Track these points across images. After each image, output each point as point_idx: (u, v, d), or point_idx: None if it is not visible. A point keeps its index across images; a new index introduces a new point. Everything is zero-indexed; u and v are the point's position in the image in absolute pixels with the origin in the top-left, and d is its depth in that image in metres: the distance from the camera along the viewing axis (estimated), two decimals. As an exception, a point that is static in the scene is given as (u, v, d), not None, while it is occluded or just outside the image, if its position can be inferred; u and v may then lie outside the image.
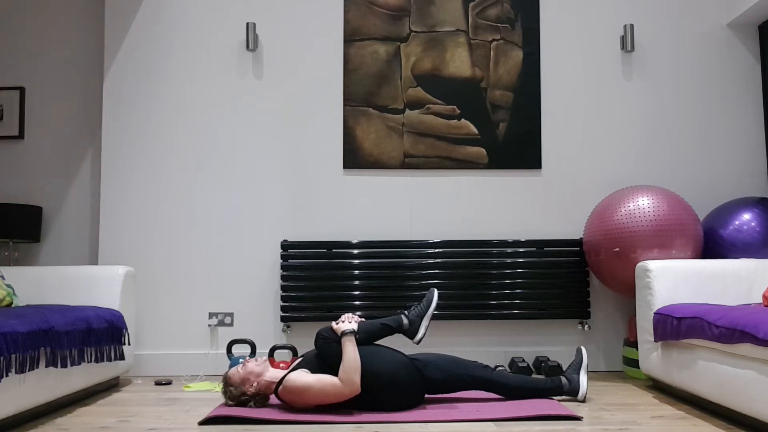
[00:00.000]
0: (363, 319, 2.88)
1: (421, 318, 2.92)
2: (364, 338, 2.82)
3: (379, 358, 2.72)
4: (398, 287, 3.83)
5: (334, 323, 2.80)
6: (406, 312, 2.96)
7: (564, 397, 2.95)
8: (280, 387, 2.69)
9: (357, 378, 2.60)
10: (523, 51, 4.05)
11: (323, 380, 2.62)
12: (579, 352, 3.01)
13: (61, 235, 4.12)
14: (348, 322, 2.78)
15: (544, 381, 2.93)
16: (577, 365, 2.97)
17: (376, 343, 2.92)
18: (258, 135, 4.01)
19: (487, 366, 2.91)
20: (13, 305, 3.08)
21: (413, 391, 2.76)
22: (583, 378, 2.93)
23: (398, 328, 2.90)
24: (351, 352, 2.65)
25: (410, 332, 2.91)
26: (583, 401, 2.94)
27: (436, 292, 2.98)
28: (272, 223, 3.97)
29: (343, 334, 2.71)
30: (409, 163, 3.99)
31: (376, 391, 2.68)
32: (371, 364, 2.69)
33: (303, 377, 2.65)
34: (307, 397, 2.64)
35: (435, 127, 4.00)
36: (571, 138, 4.05)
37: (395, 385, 2.70)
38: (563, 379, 2.94)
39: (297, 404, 2.69)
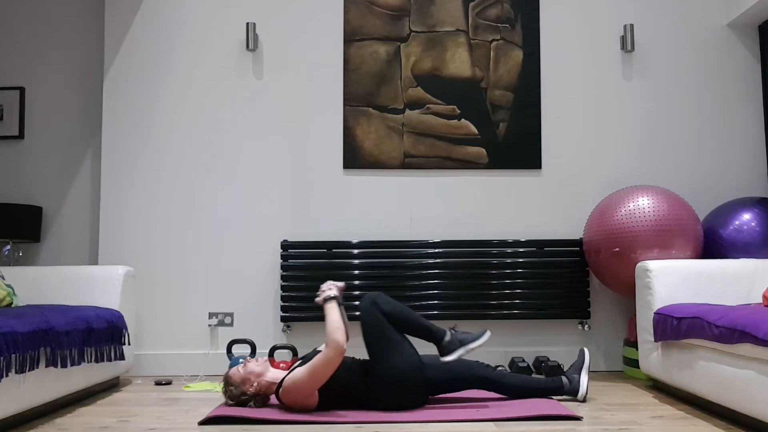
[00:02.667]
0: (342, 284, 2.84)
1: (463, 344, 2.82)
2: (398, 322, 2.78)
3: (400, 355, 2.72)
4: (398, 287, 3.83)
5: (318, 298, 2.79)
6: (454, 330, 2.86)
7: (564, 397, 2.95)
8: (281, 390, 2.69)
9: (340, 336, 2.58)
10: (523, 51, 4.05)
11: (312, 363, 2.63)
12: (581, 353, 3.01)
13: (61, 235, 4.12)
14: (329, 290, 2.77)
15: (545, 381, 2.93)
16: (578, 365, 2.98)
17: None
18: (258, 135, 4.01)
19: (488, 366, 2.91)
20: (13, 305, 3.08)
21: (418, 392, 2.76)
22: (584, 378, 2.93)
23: (435, 339, 2.82)
24: (333, 315, 2.65)
25: (445, 350, 2.82)
26: (584, 401, 2.94)
27: (488, 334, 2.86)
28: (272, 223, 3.97)
29: (326, 300, 2.72)
30: (409, 163, 3.99)
31: (381, 386, 2.69)
32: (391, 359, 2.70)
33: (296, 372, 2.66)
34: (305, 386, 2.61)
35: (435, 127, 4.00)
36: (571, 138, 4.05)
37: (402, 386, 2.70)
38: (564, 378, 2.95)
39: (299, 400, 2.66)
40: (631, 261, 3.46)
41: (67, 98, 4.19)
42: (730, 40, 4.10)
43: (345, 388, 2.71)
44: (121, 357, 3.26)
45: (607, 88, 4.07)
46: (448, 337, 2.82)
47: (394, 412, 2.67)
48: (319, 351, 2.84)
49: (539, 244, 3.89)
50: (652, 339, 3.14)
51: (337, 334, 2.59)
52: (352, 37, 4.03)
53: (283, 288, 3.84)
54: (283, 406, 2.78)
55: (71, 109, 4.19)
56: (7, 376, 2.34)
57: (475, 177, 4.02)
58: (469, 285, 3.84)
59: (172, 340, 3.90)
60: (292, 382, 2.64)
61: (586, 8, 4.10)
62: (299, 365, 2.78)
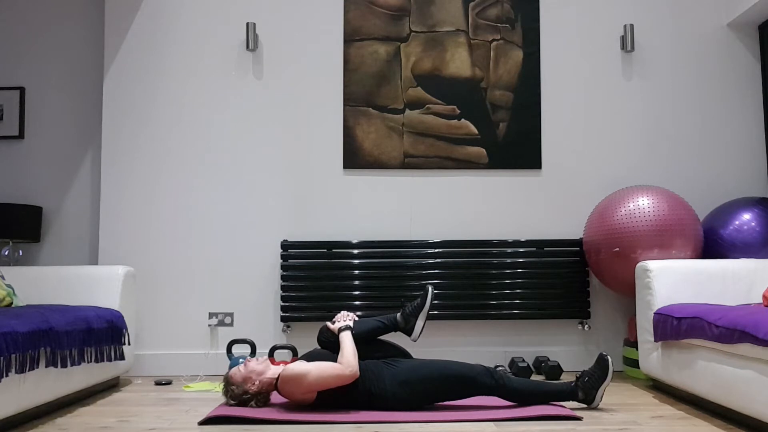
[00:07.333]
0: (356, 318, 2.95)
1: (416, 316, 2.93)
2: (361, 336, 2.87)
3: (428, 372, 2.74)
4: (398, 287, 3.83)
5: (329, 323, 2.90)
6: (402, 309, 2.97)
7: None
8: (279, 379, 2.69)
9: (355, 362, 2.67)
10: (523, 51, 4.05)
11: (321, 365, 2.66)
12: (605, 367, 2.77)
13: (61, 235, 4.12)
14: (343, 321, 2.88)
15: (557, 385, 2.76)
16: (598, 380, 2.77)
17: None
18: (258, 135, 4.01)
19: (494, 372, 2.76)
20: (13, 305, 3.08)
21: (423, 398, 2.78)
22: (601, 392, 2.78)
23: (393, 327, 2.93)
24: (348, 344, 2.73)
25: (407, 330, 2.94)
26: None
27: (431, 290, 2.95)
28: (272, 223, 3.97)
29: (340, 330, 2.81)
30: (409, 163, 3.99)
31: (396, 396, 2.71)
32: (415, 374, 2.73)
33: (301, 365, 2.67)
34: (306, 382, 2.62)
35: (435, 127, 4.00)
36: (571, 138, 4.05)
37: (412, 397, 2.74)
38: (579, 393, 2.76)
39: (296, 394, 2.67)
40: (631, 261, 3.46)
41: (67, 98, 4.19)
42: (730, 40, 4.10)
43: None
44: (121, 357, 3.26)
45: (607, 88, 4.07)
46: (400, 319, 2.92)
47: (395, 412, 2.67)
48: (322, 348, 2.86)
49: (539, 244, 3.89)
50: (652, 339, 3.14)
51: (354, 360, 2.68)
52: (352, 37, 4.03)
53: (283, 288, 3.84)
54: (284, 403, 2.78)
55: (71, 109, 4.19)
56: (7, 376, 2.34)
57: (475, 177, 4.02)
58: (469, 285, 3.84)
59: (172, 340, 3.90)
60: (295, 373, 2.65)
61: (586, 8, 4.10)
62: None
